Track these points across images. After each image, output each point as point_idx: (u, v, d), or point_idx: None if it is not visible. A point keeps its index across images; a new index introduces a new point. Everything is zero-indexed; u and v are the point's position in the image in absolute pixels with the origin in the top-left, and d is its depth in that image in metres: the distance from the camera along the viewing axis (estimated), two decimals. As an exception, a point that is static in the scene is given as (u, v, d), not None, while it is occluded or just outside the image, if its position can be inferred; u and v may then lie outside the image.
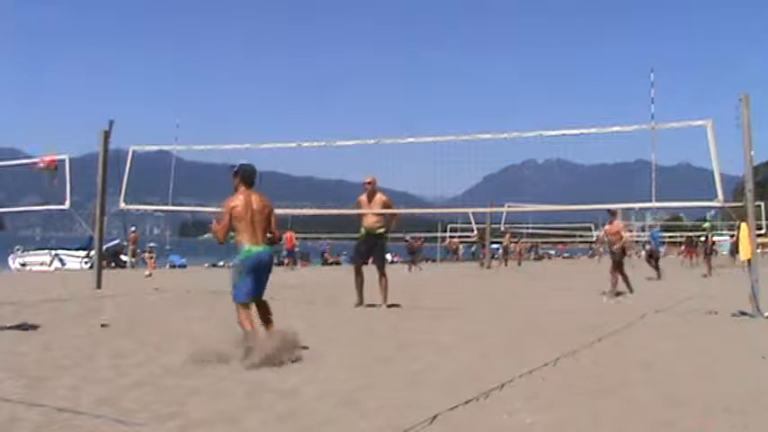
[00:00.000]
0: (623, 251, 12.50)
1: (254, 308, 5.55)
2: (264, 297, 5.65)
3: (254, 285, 5.53)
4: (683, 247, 32.97)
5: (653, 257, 19.42)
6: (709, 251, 22.56)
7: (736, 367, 5.14)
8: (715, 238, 44.12)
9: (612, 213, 12.77)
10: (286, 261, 26.90)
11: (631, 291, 11.87)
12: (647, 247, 20.15)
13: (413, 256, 27.73)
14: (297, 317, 8.00)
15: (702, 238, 25.23)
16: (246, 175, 5.77)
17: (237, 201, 5.64)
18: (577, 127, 10.70)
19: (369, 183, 9.43)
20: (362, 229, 9.40)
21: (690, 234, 33.82)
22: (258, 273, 5.59)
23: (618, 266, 12.14)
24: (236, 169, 5.76)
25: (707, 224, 30.56)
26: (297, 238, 35.58)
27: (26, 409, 3.61)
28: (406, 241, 29.15)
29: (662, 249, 22.02)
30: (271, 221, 5.77)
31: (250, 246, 5.51)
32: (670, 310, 9.26)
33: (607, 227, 12.94)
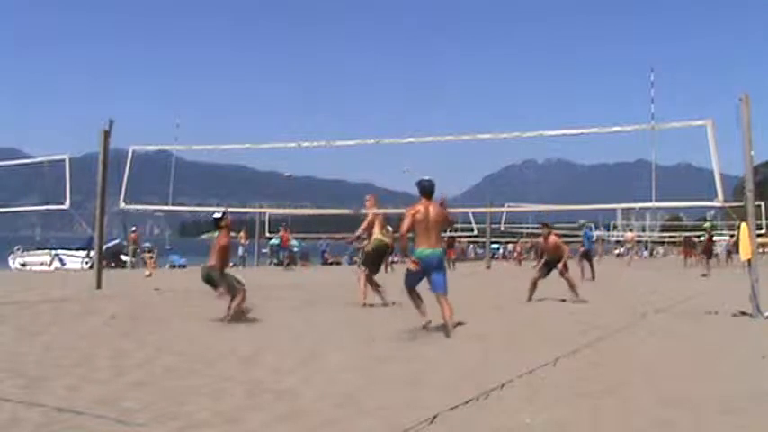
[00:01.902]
0: (564, 263, 10.71)
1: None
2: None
3: (419, 278, 6.87)
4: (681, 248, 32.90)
5: (587, 258, 19.14)
6: (709, 251, 22.53)
7: (736, 367, 5.14)
8: (715, 238, 44.21)
9: (547, 226, 11.28)
10: (286, 261, 26.60)
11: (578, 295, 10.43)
12: (580, 248, 19.71)
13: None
14: (297, 317, 8.01)
15: (702, 238, 25.19)
16: (422, 189, 6.94)
17: (419, 208, 6.81)
18: (577, 127, 10.76)
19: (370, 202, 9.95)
20: (374, 241, 9.64)
21: (688, 234, 33.82)
22: (427, 270, 6.79)
23: (540, 277, 10.66)
24: (417, 182, 7.01)
25: (707, 224, 30.48)
26: (295, 238, 35.36)
27: (26, 409, 3.61)
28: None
29: (594, 248, 21.29)
30: (444, 226, 7.08)
31: (422, 248, 6.72)
32: (670, 310, 9.26)
33: (542, 242, 11.19)
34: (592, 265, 18.42)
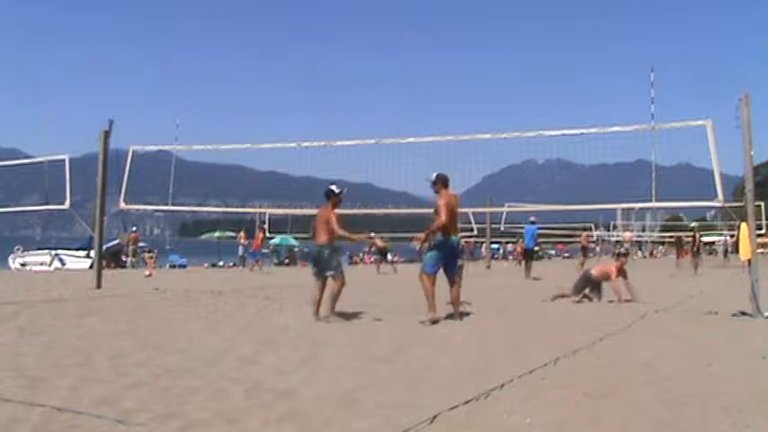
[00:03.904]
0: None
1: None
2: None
3: (440, 263, 7.52)
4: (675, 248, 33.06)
5: (527, 256, 18.99)
6: (697, 251, 22.69)
7: (736, 367, 5.14)
8: (712, 239, 44.18)
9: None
10: (252, 265, 24.86)
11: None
12: (518, 246, 19.50)
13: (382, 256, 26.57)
14: (297, 317, 8.01)
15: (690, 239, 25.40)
16: (445, 180, 7.69)
17: (448, 198, 7.50)
18: (577, 127, 10.73)
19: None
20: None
21: (680, 234, 34.05)
22: (446, 254, 7.51)
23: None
24: (435, 176, 7.66)
25: (694, 224, 30.59)
26: (295, 238, 34.85)
27: (26, 409, 3.61)
28: (370, 238, 26.52)
29: (536, 247, 20.82)
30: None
31: (447, 235, 7.44)
32: (670, 310, 9.26)
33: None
34: (529, 264, 18.27)
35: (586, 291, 10.46)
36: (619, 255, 11.44)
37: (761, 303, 8.22)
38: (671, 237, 45.94)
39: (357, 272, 23.51)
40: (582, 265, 27.11)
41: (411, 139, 11.03)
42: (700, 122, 8.94)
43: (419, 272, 7.77)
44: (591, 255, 31.47)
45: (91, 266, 17.29)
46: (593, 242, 36.23)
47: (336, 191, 7.95)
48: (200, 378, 4.48)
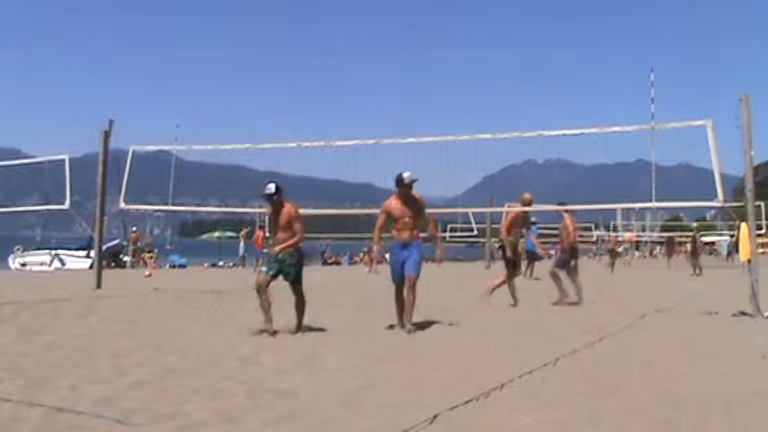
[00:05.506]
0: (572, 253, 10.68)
1: None
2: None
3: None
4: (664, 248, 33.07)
5: (531, 258, 18.86)
6: (698, 251, 22.74)
7: (736, 367, 5.14)
8: (713, 239, 44.14)
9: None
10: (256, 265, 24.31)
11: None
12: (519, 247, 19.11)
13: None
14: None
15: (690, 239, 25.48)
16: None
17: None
18: (577, 127, 10.73)
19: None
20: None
21: (670, 234, 34.11)
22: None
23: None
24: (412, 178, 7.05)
25: (695, 224, 30.75)
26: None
27: (26, 409, 3.61)
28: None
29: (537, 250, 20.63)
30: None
31: None
32: (670, 310, 9.26)
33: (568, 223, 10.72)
34: (531, 266, 18.26)
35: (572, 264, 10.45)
36: (560, 203, 11.54)
37: (761, 303, 8.23)
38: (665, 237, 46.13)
39: (352, 272, 23.51)
40: (611, 266, 26.89)
41: (411, 139, 11.03)
42: (700, 122, 8.95)
43: (414, 281, 6.89)
44: (620, 256, 29.87)
45: (91, 266, 17.29)
46: (620, 243, 35.83)
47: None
48: (200, 378, 4.48)
